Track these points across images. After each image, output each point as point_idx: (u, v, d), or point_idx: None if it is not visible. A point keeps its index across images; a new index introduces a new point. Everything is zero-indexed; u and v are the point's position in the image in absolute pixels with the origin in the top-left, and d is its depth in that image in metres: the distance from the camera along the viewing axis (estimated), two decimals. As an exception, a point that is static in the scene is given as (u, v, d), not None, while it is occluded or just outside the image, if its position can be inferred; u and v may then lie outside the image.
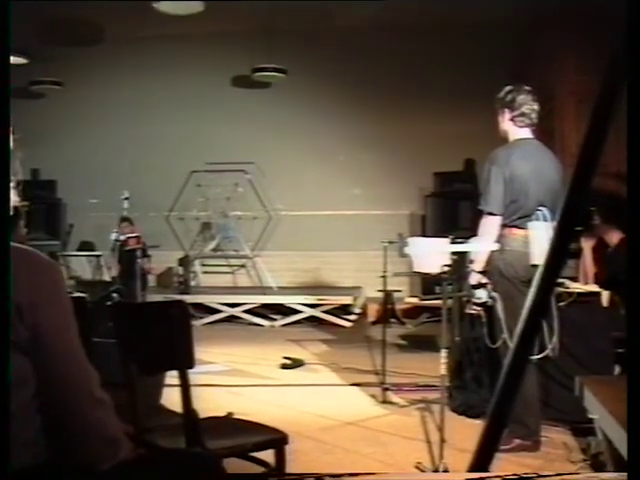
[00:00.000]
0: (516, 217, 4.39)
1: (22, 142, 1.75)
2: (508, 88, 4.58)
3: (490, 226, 4.39)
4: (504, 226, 4.41)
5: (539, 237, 4.26)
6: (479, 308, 4.60)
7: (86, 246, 11.17)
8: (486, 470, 1.16)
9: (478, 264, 4.41)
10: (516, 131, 4.53)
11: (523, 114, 4.50)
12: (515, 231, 4.40)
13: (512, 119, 4.52)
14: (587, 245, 6.21)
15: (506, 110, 4.54)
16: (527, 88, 4.58)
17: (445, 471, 3.76)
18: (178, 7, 9.26)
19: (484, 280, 4.40)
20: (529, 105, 4.51)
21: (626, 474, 1.24)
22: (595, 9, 7.75)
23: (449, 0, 9.78)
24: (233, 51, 11.41)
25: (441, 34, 10.87)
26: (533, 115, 4.52)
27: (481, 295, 4.42)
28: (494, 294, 4.38)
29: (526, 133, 4.54)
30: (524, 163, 4.40)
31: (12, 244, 1.66)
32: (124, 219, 9.29)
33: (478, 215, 4.51)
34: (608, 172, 6.50)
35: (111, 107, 11.88)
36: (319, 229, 11.64)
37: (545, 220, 4.31)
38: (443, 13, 10.30)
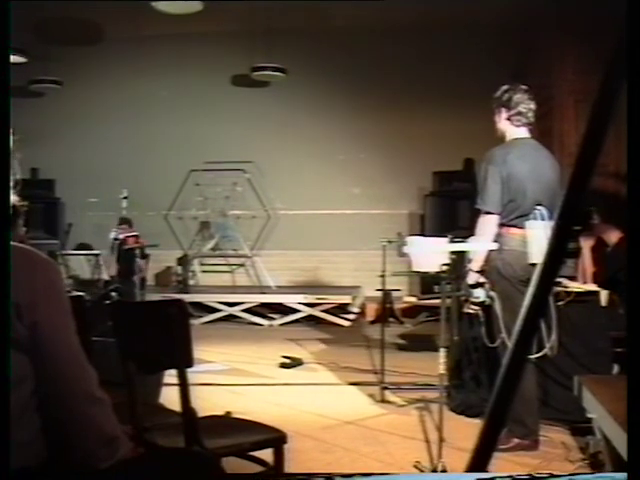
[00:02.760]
0: (514, 216, 4.39)
1: (21, 141, 1.75)
2: (505, 87, 4.59)
3: (488, 225, 4.40)
4: (502, 225, 4.41)
5: (537, 236, 4.26)
6: (477, 307, 4.60)
7: (83, 247, 11.16)
8: (484, 470, 1.16)
9: (476, 263, 4.41)
10: (513, 130, 4.54)
11: (520, 113, 4.50)
12: (513, 230, 4.40)
13: (509, 118, 4.52)
14: (586, 245, 6.21)
15: (503, 109, 4.54)
16: (523, 87, 4.58)
17: (443, 470, 3.76)
18: (177, 6, 9.25)
19: (482, 279, 4.41)
20: (526, 104, 4.51)
21: (625, 474, 1.25)
22: (595, 9, 7.76)
23: (449, 0, 9.78)
24: (232, 50, 11.40)
25: (440, 34, 10.87)
26: (530, 114, 4.52)
27: (479, 294, 4.43)
28: (492, 293, 4.39)
29: (523, 132, 4.54)
30: (521, 162, 4.41)
31: (11, 243, 1.66)
32: (123, 220, 9.27)
33: (477, 214, 4.52)
34: (607, 172, 6.51)
35: (110, 106, 11.86)
36: (318, 228, 11.63)
37: (543, 219, 4.32)
38: (443, 13, 10.29)
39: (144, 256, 9.39)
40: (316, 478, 1.54)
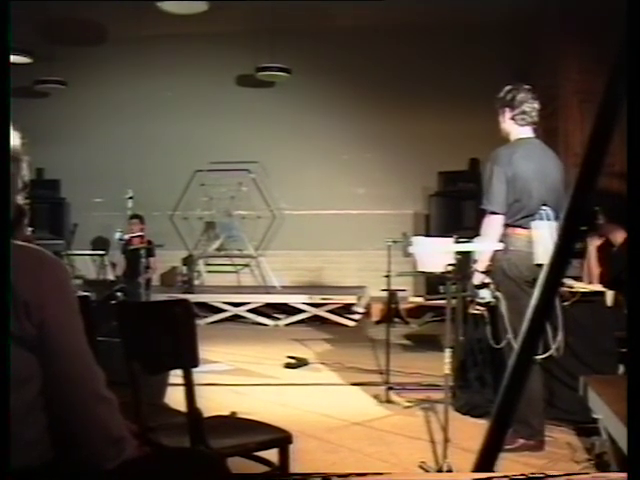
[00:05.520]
0: (519, 217, 4.39)
1: (27, 143, 1.75)
2: (508, 87, 4.59)
3: (493, 225, 4.39)
4: (507, 226, 4.40)
5: (543, 236, 4.25)
6: (482, 308, 4.60)
7: (100, 241, 11.31)
8: (491, 470, 1.16)
9: (481, 264, 4.41)
10: (517, 130, 4.53)
11: (524, 112, 4.49)
12: (519, 231, 4.39)
13: (513, 118, 4.52)
14: (593, 245, 6.20)
15: (506, 109, 4.54)
16: (527, 87, 4.58)
17: (449, 471, 3.76)
18: (182, 6, 9.25)
19: (487, 280, 4.40)
20: (529, 103, 4.50)
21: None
22: (598, 8, 7.74)
23: (451, 0, 9.77)
24: (237, 50, 11.40)
25: (445, 34, 10.87)
26: (534, 113, 4.52)
27: (484, 295, 4.42)
28: (497, 294, 4.38)
29: (527, 132, 4.54)
30: (527, 162, 4.40)
31: (19, 243, 1.66)
32: (135, 215, 9.31)
33: (482, 215, 4.51)
34: (613, 172, 6.50)
35: (115, 106, 11.88)
36: (323, 228, 11.63)
37: (548, 219, 4.31)
38: (447, 13, 10.29)
39: (151, 254, 9.44)
40: (312, 478, 1.53)
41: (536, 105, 4.53)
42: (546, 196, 4.38)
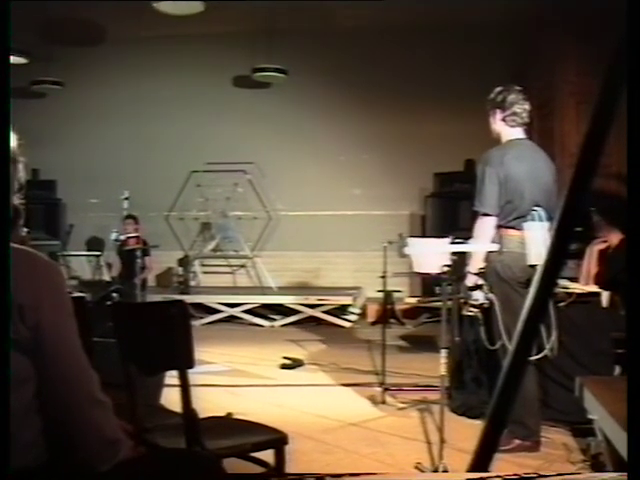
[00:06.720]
0: (512, 218, 4.38)
1: (23, 143, 1.75)
2: (498, 89, 4.59)
3: (485, 227, 4.39)
4: (500, 227, 4.40)
5: (535, 238, 4.25)
6: (476, 310, 4.59)
7: (94, 242, 11.31)
8: (486, 470, 1.16)
9: (474, 265, 4.40)
10: (508, 131, 4.53)
11: (514, 113, 4.49)
12: (511, 232, 4.39)
13: (504, 119, 4.52)
14: (595, 247, 6.19)
15: (497, 111, 4.54)
16: (517, 88, 4.58)
17: (445, 471, 3.76)
18: (178, 7, 9.25)
19: (480, 281, 4.40)
20: (520, 104, 4.50)
21: (626, 474, 1.24)
22: (596, 10, 7.75)
23: (450, 1, 9.78)
24: (233, 51, 11.41)
25: (442, 34, 10.87)
26: (524, 114, 4.52)
27: (477, 297, 4.41)
28: (491, 296, 4.37)
29: (518, 133, 4.54)
30: (518, 163, 4.40)
31: (13, 245, 1.66)
32: (128, 216, 9.32)
33: (475, 216, 4.51)
34: (609, 173, 6.51)
35: (111, 107, 11.87)
36: (319, 229, 11.63)
37: (541, 220, 4.31)
38: (444, 14, 10.30)
39: (146, 253, 9.43)
40: (307, 479, 1.54)
41: (527, 106, 4.53)
42: (538, 197, 4.38)
